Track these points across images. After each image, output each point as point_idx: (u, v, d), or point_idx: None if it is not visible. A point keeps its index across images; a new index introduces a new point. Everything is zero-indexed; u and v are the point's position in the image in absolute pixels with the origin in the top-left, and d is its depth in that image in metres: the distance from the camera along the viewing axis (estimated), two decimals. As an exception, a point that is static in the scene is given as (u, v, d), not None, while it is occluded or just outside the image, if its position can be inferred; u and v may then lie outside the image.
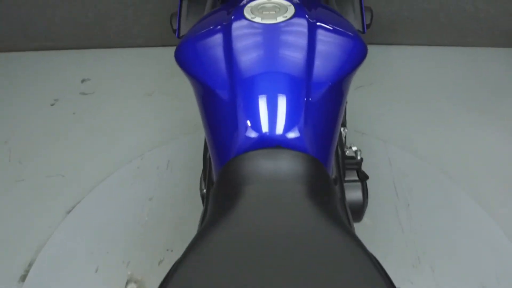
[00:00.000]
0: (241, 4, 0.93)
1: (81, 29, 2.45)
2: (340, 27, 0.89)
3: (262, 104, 0.75)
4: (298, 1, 0.93)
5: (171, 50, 1.29)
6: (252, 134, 0.74)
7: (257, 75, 0.78)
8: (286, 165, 0.68)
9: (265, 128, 0.74)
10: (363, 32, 1.18)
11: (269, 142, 0.74)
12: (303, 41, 0.81)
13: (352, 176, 1.08)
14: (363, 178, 1.07)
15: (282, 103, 0.75)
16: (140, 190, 1.71)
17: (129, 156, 1.87)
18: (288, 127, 0.75)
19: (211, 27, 0.89)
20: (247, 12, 0.88)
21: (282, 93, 0.76)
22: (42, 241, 1.55)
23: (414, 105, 2.11)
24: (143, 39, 2.49)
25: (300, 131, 0.75)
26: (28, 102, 2.20)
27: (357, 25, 1.18)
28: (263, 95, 0.76)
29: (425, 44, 2.44)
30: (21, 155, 1.92)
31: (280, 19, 0.85)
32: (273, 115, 0.75)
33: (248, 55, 0.80)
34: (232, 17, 0.87)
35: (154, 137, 1.96)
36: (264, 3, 0.90)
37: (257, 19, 0.85)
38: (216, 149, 0.81)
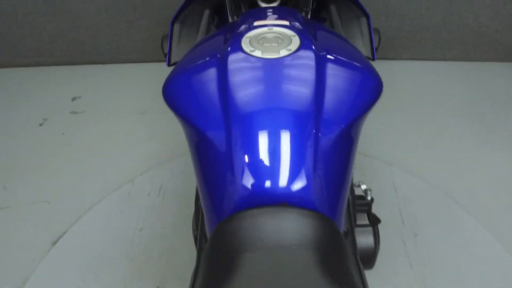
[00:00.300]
0: (239, 30, 0.84)
1: (72, 44, 2.37)
2: (352, 59, 0.79)
3: (264, 153, 0.66)
4: (301, 27, 0.84)
5: (166, 66, 1.22)
6: (252, 188, 0.65)
7: (257, 119, 0.68)
8: (292, 226, 0.59)
9: (267, 181, 0.65)
10: (373, 58, 1.10)
11: (272, 198, 0.64)
12: (311, 79, 0.71)
13: (362, 219, 0.99)
14: (374, 222, 0.98)
15: (287, 151, 0.66)
16: (130, 219, 1.61)
17: (119, 180, 1.77)
18: (294, 180, 0.65)
19: (204, 60, 0.80)
20: (245, 44, 0.78)
21: (287, 140, 0.66)
22: (26, 276, 1.45)
23: (417, 123, 2.03)
24: (136, 54, 2.41)
25: (308, 184, 0.65)
26: (15, 122, 2.11)
27: (365, 50, 1.10)
28: (265, 142, 0.66)
29: (427, 59, 2.36)
30: (6, 179, 1.82)
31: (283, 52, 0.76)
32: (276, 165, 0.65)
33: (247, 95, 0.70)
34: (229, 48, 0.78)
35: (146, 159, 1.87)
36: (264, 33, 0.81)
37: (257, 53, 0.76)
38: (210, 204, 0.71)
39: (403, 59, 2.38)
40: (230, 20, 1.18)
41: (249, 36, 0.80)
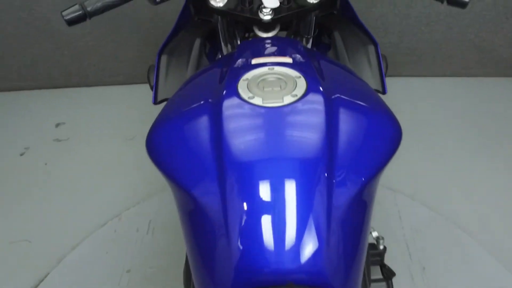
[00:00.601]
0: (235, 69, 0.73)
1: (56, 67, 2.25)
2: (366, 101, 0.69)
3: (266, 221, 0.55)
4: (305, 64, 0.73)
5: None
6: (253, 265, 0.54)
7: (258, 180, 0.57)
8: None
9: (270, 256, 0.54)
10: (383, 92, 0.99)
11: (277, 276, 0.53)
12: (320, 130, 0.60)
13: (374, 272, 0.87)
14: (388, 276, 0.86)
15: (293, 219, 0.55)
16: (117, 259, 1.49)
17: (105, 216, 1.65)
18: (302, 254, 0.54)
19: (195, 106, 0.69)
20: (242, 89, 0.67)
21: (293, 205, 0.55)
22: (1, 328, 1.33)
23: (420, 145, 1.93)
24: (123, 76, 2.30)
25: (318, 258, 0.54)
26: (-6, 152, 1.99)
27: (374, 82, 1.00)
28: (267, 209, 0.55)
29: (426, 75, 2.28)
30: (-17, 216, 1.70)
31: (288, 99, 0.65)
32: (281, 237, 0.54)
33: (245, 154, 0.59)
34: (224, 93, 0.67)
35: (135, 191, 1.75)
36: (265, 74, 0.70)
37: (257, 100, 0.65)
38: (201, 281, 0.60)
39: (402, 76, 2.29)
40: (224, 49, 1.08)
41: (247, 79, 0.69)
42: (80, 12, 0.81)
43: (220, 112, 0.63)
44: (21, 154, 1.96)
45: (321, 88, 0.66)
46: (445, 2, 0.82)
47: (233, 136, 0.60)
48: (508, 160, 1.84)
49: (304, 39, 1.06)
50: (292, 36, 1.10)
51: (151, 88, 1.05)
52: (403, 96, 2.21)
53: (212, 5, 0.92)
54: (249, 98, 0.65)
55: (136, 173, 1.83)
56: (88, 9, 0.81)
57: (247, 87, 0.67)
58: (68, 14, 0.81)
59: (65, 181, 1.82)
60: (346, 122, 0.64)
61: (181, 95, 0.75)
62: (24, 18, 2.05)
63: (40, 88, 2.32)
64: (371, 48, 1.03)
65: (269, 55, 0.78)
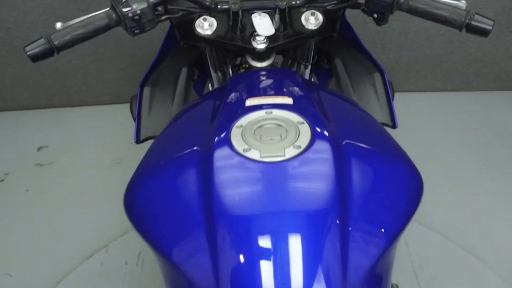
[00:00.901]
0: (227, 106, 0.63)
1: (37, 87, 2.13)
2: (380, 146, 0.59)
3: None
4: (307, 103, 0.63)
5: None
6: None
7: (259, 259, 0.47)
8: None
9: None
10: (393, 126, 0.90)
11: None
12: (329, 188, 0.50)
13: None
14: None
15: None
16: (104, 298, 1.37)
17: (91, 247, 1.53)
18: None
19: (180, 157, 0.58)
20: (236, 139, 0.57)
21: (300, 284, 0.45)
22: None
23: (423, 162, 1.82)
24: (108, 96, 2.18)
25: None
26: (-29, 179, 1.86)
27: (382, 115, 0.90)
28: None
29: (427, 90, 2.21)
30: (-42, 250, 1.56)
31: (290, 152, 0.54)
32: None
33: (241, 223, 0.49)
34: (215, 142, 0.56)
35: (123, 219, 1.62)
36: (262, 119, 0.59)
37: (253, 154, 0.54)
38: None
39: (402, 91, 2.20)
40: (213, 76, 0.97)
41: (241, 125, 0.59)
42: (46, 46, 0.70)
43: (211, 170, 0.53)
44: (1, 180, 1.84)
45: (328, 136, 0.56)
46: (463, 30, 0.72)
47: (226, 201, 0.50)
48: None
49: (302, 66, 0.96)
50: (290, 62, 1.00)
51: (134, 120, 0.95)
52: (403, 112, 2.11)
53: (199, 33, 0.81)
54: (244, 151, 0.55)
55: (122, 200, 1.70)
56: (55, 43, 0.70)
57: (242, 137, 0.57)
58: (32, 49, 0.70)
59: (48, 209, 1.69)
60: (359, 176, 0.54)
61: (165, 140, 0.65)
62: (0, 37, 1.94)
63: (21, 109, 2.19)
64: (377, 76, 0.94)
65: (266, 93, 0.68)
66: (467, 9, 0.72)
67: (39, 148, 1.98)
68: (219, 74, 0.98)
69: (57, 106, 2.20)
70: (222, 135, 0.57)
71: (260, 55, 0.87)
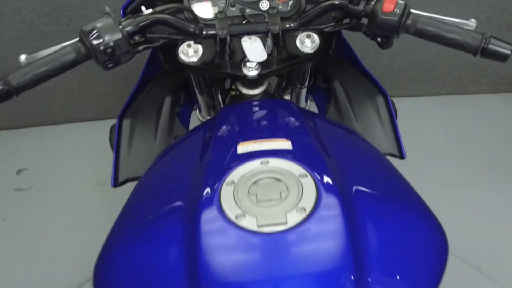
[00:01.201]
0: (216, 151, 0.55)
1: (16, 106, 2.02)
2: (396, 196, 0.51)
3: None
4: (306, 141, 0.55)
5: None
6: None
7: None
8: None
9: None
10: (401, 157, 0.82)
11: None
12: (342, 257, 0.43)
13: None
14: None
15: None
16: None
17: (76, 280, 1.44)
18: None
19: (159, 219, 0.50)
20: (227, 202, 0.47)
21: None
22: None
23: (419, 171, 1.76)
24: (92, 112, 2.09)
25: None
26: None
27: (388, 145, 0.82)
28: None
29: (421, 95, 2.15)
30: None
31: (293, 218, 0.45)
32: None
33: None
34: (202, 201, 0.48)
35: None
36: (257, 172, 0.51)
37: (249, 221, 0.45)
38: None
39: (395, 97, 2.12)
40: (200, 100, 0.89)
41: (233, 181, 0.49)
42: (3, 88, 0.61)
43: (198, 245, 0.44)
44: (-23, 209, 1.73)
45: (336, 189, 0.47)
46: (478, 55, 0.65)
47: (216, 282, 0.42)
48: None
49: (296, 89, 0.89)
50: (284, 83, 0.92)
51: (113, 150, 0.85)
52: (398, 119, 2.05)
53: (183, 60, 0.74)
54: (237, 218, 0.46)
55: (108, 224, 1.61)
56: (14, 84, 0.62)
57: (234, 198, 0.48)
58: None
59: (27, 239, 1.59)
60: (375, 238, 0.46)
61: (145, 191, 0.56)
62: (-24, 55, 1.84)
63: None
64: (380, 100, 0.86)
65: (260, 135, 0.59)
66: (481, 32, 0.64)
67: (19, 172, 1.88)
68: (206, 97, 0.91)
69: (38, 125, 2.09)
70: (211, 195, 0.48)
71: (252, 82, 0.79)
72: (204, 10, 0.78)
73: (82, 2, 1.72)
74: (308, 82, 0.90)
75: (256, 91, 0.81)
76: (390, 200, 0.52)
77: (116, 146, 0.82)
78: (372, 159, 0.62)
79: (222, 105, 0.97)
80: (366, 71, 0.84)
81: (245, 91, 0.81)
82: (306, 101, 1.01)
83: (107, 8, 0.65)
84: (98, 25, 0.63)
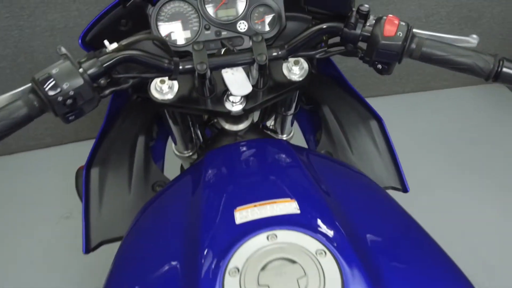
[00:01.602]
0: (208, 207, 0.48)
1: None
2: (423, 258, 0.45)
3: None
4: (314, 199, 0.49)
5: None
6: None
7: None
8: None
9: None
10: (404, 190, 0.77)
11: None
12: None
13: None
14: None
15: None
16: None
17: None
18: None
19: None
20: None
21: None
22: None
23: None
24: (51, 137, 1.97)
25: None
26: None
27: (389, 177, 0.77)
28: None
29: (385, 94, 2.17)
30: None
31: None
32: None
33: None
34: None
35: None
36: (265, 253, 0.41)
37: None
38: None
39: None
40: (176, 136, 0.81)
41: (237, 269, 0.39)
42: None
43: None
44: None
45: (362, 267, 0.39)
46: (490, 80, 0.58)
47: None
48: (490, 178, 1.72)
49: (282, 116, 0.83)
50: (269, 108, 0.85)
51: (81, 200, 0.75)
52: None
53: (156, 98, 0.64)
54: None
55: (77, 263, 1.50)
56: None
57: (241, 277, 0.38)
58: None
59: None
60: None
61: (129, 272, 0.47)
62: None
63: None
64: (374, 125, 0.81)
65: (258, 194, 0.50)
66: (493, 54, 0.58)
67: (-27, 209, 1.75)
68: (183, 131, 0.82)
69: (-10, 156, 1.96)
70: (210, 275, 0.39)
71: (236, 117, 0.71)
72: (174, 33, 0.68)
73: (30, 21, 1.61)
74: (295, 109, 0.82)
75: (241, 126, 0.73)
76: (421, 268, 0.46)
77: (84, 202, 0.71)
78: (386, 209, 0.55)
79: (201, 139, 0.89)
80: (354, 92, 0.79)
81: (229, 126, 0.73)
82: (292, 125, 0.92)
83: (63, 49, 0.54)
84: (54, 71, 0.52)
